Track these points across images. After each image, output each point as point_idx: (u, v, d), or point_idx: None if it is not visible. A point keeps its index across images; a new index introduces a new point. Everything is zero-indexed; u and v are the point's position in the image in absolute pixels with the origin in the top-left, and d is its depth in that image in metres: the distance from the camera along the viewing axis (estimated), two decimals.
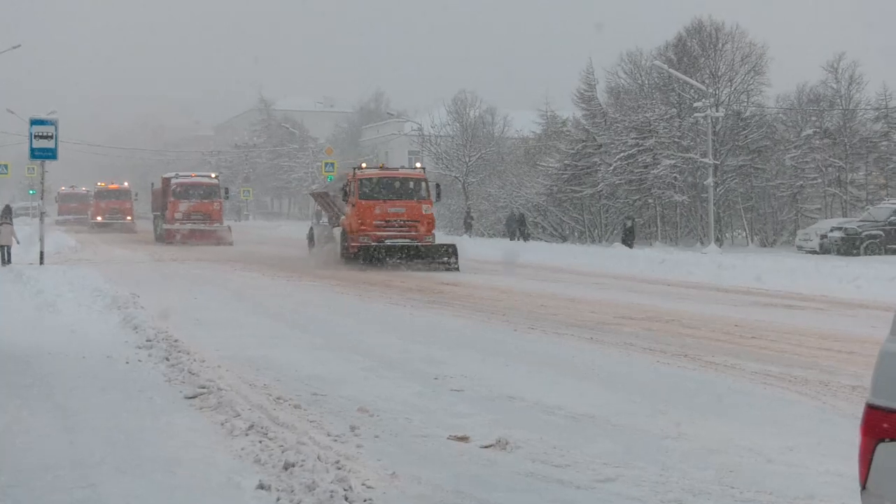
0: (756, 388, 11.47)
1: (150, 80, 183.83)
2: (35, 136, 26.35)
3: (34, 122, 26.80)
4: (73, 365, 11.91)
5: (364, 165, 37.17)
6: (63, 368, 11.69)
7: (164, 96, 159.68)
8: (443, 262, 31.57)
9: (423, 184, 33.73)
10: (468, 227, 57.43)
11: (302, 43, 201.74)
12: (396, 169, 36.58)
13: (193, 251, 42.31)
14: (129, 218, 70.33)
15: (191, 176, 53.16)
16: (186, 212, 49.97)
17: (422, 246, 32.01)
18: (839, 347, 14.71)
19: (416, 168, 36.10)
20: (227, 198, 52.88)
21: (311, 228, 43.61)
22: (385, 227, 32.27)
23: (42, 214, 29.35)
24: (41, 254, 27.22)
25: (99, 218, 70.27)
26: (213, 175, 54.98)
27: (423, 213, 32.80)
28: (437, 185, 34.93)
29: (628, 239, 46.19)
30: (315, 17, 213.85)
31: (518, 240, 50.73)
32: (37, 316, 16.22)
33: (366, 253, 31.33)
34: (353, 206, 32.76)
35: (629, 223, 47.26)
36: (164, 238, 49.40)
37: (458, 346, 14.58)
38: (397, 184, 33.54)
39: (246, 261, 34.80)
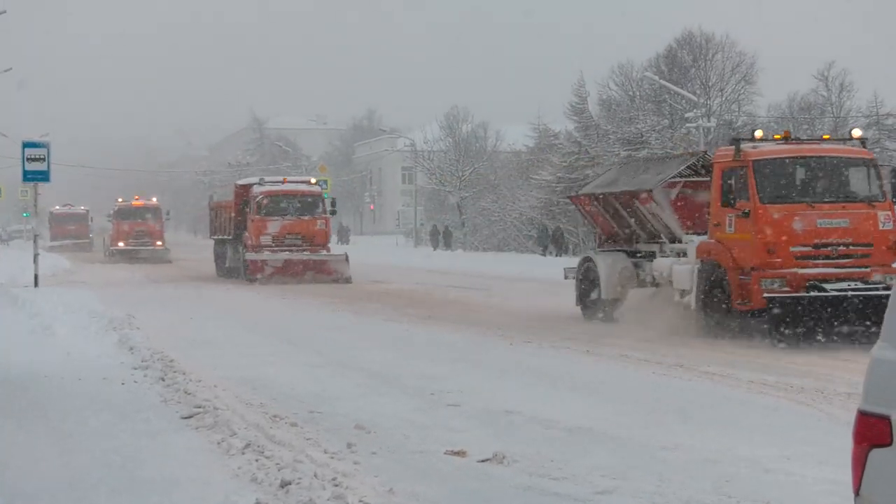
0: (752, 397, 11.48)
1: (143, 101, 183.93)
2: (28, 159, 26.32)
3: (26, 145, 26.78)
4: (69, 387, 11.88)
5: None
6: (59, 391, 11.66)
7: (157, 117, 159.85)
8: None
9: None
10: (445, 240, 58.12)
11: (294, 61, 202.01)
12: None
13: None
14: (159, 243, 54.28)
15: (282, 182, 36.67)
16: (279, 234, 34.41)
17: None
18: (834, 355, 14.72)
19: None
20: (334, 212, 36.80)
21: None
22: None
23: (36, 237, 29.30)
24: (36, 276, 27.17)
25: (121, 244, 53.61)
26: (311, 180, 38.22)
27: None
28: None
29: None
30: (306, 35, 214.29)
31: (549, 255, 48.62)
32: (32, 339, 16.18)
33: None
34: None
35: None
36: (247, 272, 33.74)
37: (454, 361, 14.59)
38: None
39: (240, 281, 34.72)
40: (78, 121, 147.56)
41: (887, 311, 4.24)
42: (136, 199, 56.64)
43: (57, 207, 70.51)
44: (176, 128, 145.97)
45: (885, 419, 3.95)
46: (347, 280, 32.79)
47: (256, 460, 8.06)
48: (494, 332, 18.27)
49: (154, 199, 57.85)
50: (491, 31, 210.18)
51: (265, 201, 34.71)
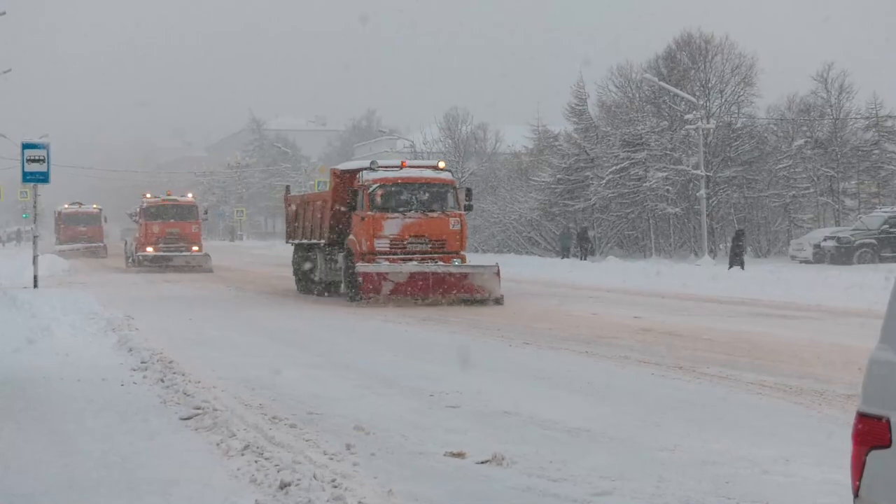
0: (751, 398, 11.49)
1: (142, 102, 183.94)
2: (27, 160, 26.29)
3: (26, 146, 26.74)
4: (67, 388, 11.88)
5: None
6: (58, 392, 11.67)
7: (156, 118, 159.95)
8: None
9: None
10: None
11: (293, 62, 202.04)
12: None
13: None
14: (196, 248, 44.54)
15: (400, 166, 26.83)
16: (399, 237, 25.49)
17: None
18: (834, 356, 14.74)
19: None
20: (469, 207, 26.58)
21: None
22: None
23: (35, 238, 29.28)
24: (35, 277, 27.16)
25: (150, 249, 43.94)
26: (439, 164, 27.61)
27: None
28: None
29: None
30: (306, 36, 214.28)
31: (575, 257, 47.40)
32: (31, 340, 16.17)
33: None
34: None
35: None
36: (358, 289, 24.47)
37: (452, 362, 14.59)
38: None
39: (240, 281, 34.72)
40: (77, 122, 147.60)
41: (886, 312, 4.25)
42: (168, 195, 47.04)
43: (66, 206, 62.24)
44: (175, 129, 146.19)
45: (885, 421, 3.96)
46: (497, 301, 24.06)
47: (255, 461, 8.06)
48: (494, 333, 18.28)
49: (190, 195, 48.33)
50: (490, 33, 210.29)
51: (380, 192, 25.53)
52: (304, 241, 29.61)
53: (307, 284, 29.26)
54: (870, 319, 18.95)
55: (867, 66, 70.37)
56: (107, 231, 63.62)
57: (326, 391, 12.07)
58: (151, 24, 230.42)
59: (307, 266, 29.20)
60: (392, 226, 25.37)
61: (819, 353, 15.06)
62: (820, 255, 40.95)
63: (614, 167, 51.45)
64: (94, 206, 63.26)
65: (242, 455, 8.30)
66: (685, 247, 51.87)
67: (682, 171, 50.10)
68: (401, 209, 25.48)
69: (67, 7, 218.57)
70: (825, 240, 41.51)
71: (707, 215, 46.57)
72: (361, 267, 24.37)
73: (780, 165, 50.76)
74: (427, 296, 24.00)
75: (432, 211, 25.63)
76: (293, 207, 31.51)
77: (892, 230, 41.16)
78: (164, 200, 45.48)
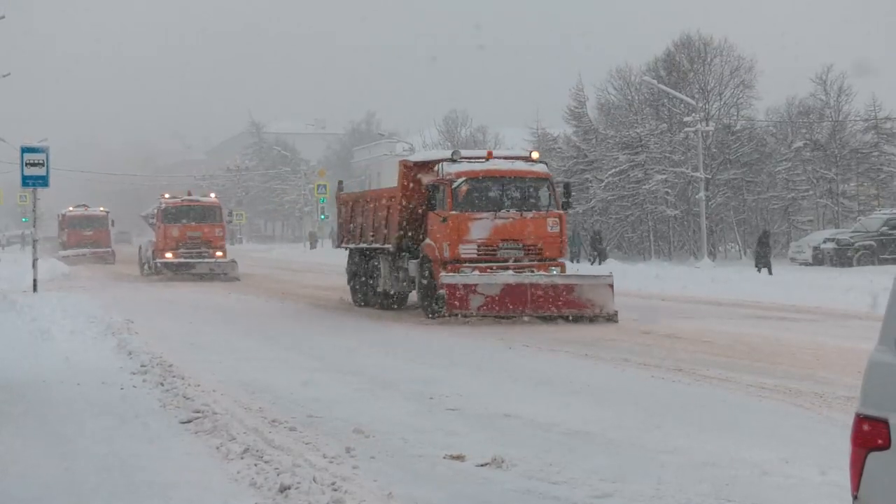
0: (751, 400, 11.49)
1: (141, 105, 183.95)
2: (26, 164, 26.31)
3: (25, 150, 26.77)
4: (67, 392, 11.88)
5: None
6: (57, 396, 11.66)
7: (155, 121, 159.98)
8: None
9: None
10: None
11: (292, 65, 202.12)
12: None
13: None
14: (220, 254, 39.87)
15: (485, 157, 22.69)
16: (489, 241, 21.38)
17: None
18: (833, 358, 14.74)
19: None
20: (568, 206, 22.66)
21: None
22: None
23: (35, 242, 29.28)
24: (35, 281, 27.16)
25: (169, 255, 39.25)
26: (533, 155, 23.24)
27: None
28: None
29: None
30: (305, 39, 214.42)
31: (586, 261, 46.59)
32: (31, 344, 16.18)
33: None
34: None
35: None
36: (444, 304, 20.38)
37: (452, 365, 14.59)
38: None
39: (241, 284, 34.70)
40: (76, 125, 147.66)
41: (885, 314, 4.25)
42: (189, 196, 42.43)
43: (70, 208, 58.28)
44: (174, 132, 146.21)
45: (883, 422, 3.96)
46: (610, 317, 20.26)
47: (255, 465, 8.06)
48: (494, 335, 18.27)
49: (213, 195, 43.53)
50: (490, 35, 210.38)
51: (465, 188, 21.41)
52: (364, 245, 25.47)
53: (366, 296, 25.20)
54: (869, 321, 18.97)
55: (866, 67, 70.40)
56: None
57: (326, 394, 12.05)
58: (151, 27, 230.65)
59: (367, 275, 25.18)
60: (480, 228, 21.29)
61: (819, 355, 15.06)
62: (819, 257, 40.95)
63: (613, 170, 51.47)
64: (101, 208, 58.99)
65: (242, 458, 8.30)
66: (685, 249, 51.88)
67: (682, 174, 50.13)
68: (490, 208, 21.44)
69: (66, 10, 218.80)
70: (824, 242, 41.52)
71: (706, 217, 46.58)
72: (448, 278, 20.34)
73: (780, 167, 50.78)
74: (524, 312, 20.17)
75: (527, 210, 21.56)
76: (348, 206, 27.40)
77: (891, 232, 41.17)
78: (184, 201, 41.00)
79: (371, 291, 24.93)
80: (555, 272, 21.26)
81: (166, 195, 42.33)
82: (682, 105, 50.81)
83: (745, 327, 19.03)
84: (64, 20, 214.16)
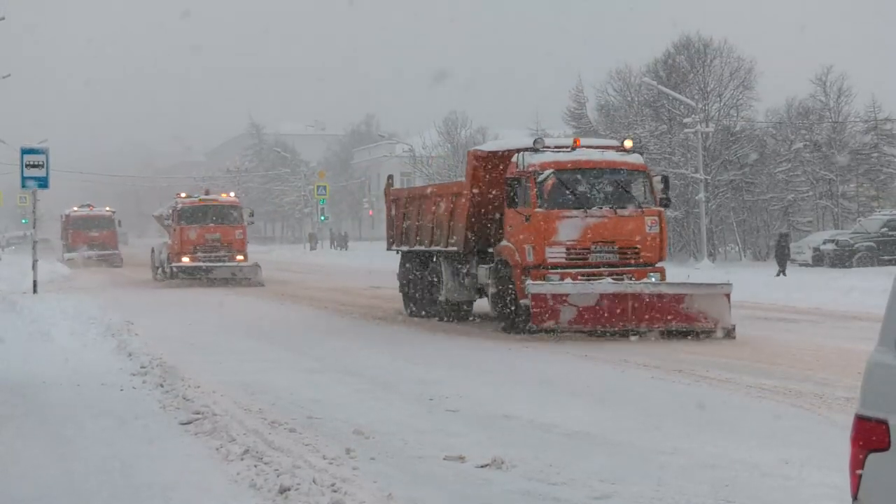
0: (751, 401, 11.49)
1: (141, 106, 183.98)
2: (26, 166, 26.33)
3: (25, 152, 26.78)
4: (67, 393, 11.89)
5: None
6: (57, 397, 11.66)
7: (155, 123, 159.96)
8: None
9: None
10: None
11: (292, 66, 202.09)
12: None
13: None
14: (241, 258, 36.88)
15: (571, 146, 19.70)
16: (580, 243, 18.66)
17: None
18: (833, 359, 14.74)
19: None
20: (667, 203, 19.70)
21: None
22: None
23: (35, 243, 29.28)
24: (34, 283, 27.16)
25: (186, 258, 36.35)
26: (625, 143, 20.08)
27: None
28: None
29: None
30: (304, 41, 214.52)
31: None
32: (31, 345, 16.19)
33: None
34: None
35: None
36: (527, 316, 17.82)
37: (452, 366, 14.59)
38: None
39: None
40: (76, 126, 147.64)
41: (885, 315, 4.25)
42: (206, 195, 39.39)
43: (75, 208, 55.12)
44: (174, 133, 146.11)
45: (883, 423, 3.96)
46: (728, 333, 17.66)
47: (255, 466, 8.06)
48: (493, 336, 18.27)
49: (232, 194, 40.55)
50: (489, 36, 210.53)
51: (552, 181, 18.68)
52: (421, 247, 22.69)
53: (423, 305, 22.42)
54: (869, 322, 18.96)
55: (866, 68, 70.42)
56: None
57: (326, 395, 12.07)
58: (150, 28, 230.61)
59: (425, 282, 22.40)
60: (570, 227, 18.50)
61: (818, 356, 15.07)
62: (819, 258, 40.94)
63: None
64: (107, 208, 55.97)
65: (242, 459, 8.30)
66: (685, 250, 51.87)
67: (682, 175, 50.12)
68: (580, 205, 18.68)
69: (66, 12, 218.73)
70: (824, 243, 41.51)
71: (706, 218, 46.56)
72: (535, 286, 17.65)
73: (779, 169, 50.78)
74: (624, 326, 17.61)
75: (621, 207, 18.86)
76: (400, 204, 24.35)
77: (890, 233, 41.18)
78: (202, 200, 37.96)
79: (429, 300, 22.10)
80: (653, 279, 18.59)
81: (182, 194, 39.34)
82: (682, 106, 50.78)
83: (744, 328, 19.01)
84: (64, 21, 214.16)
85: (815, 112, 51.82)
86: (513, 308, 18.57)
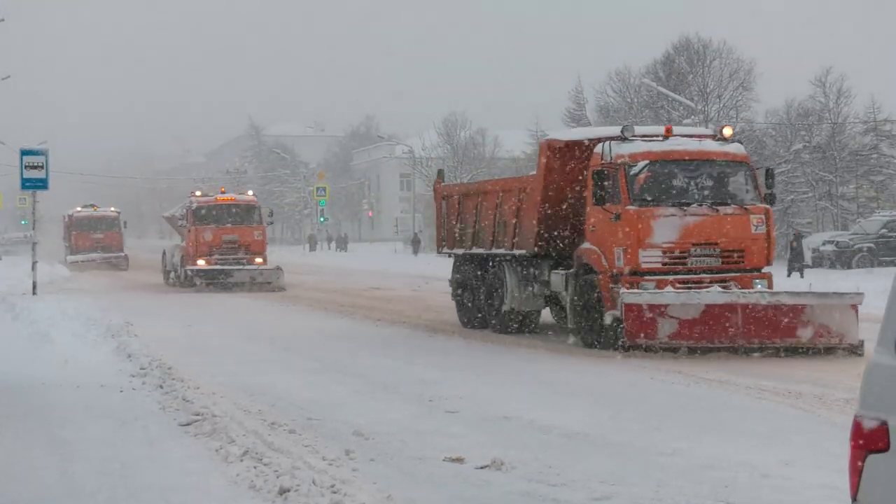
0: (750, 402, 11.50)
1: (140, 108, 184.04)
2: (26, 167, 26.32)
3: (25, 153, 26.78)
4: (67, 395, 11.89)
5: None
6: (57, 398, 11.66)
7: (154, 124, 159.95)
8: None
9: None
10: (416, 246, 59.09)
11: (291, 68, 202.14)
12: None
13: None
14: (259, 260, 34.70)
15: (663, 135, 17.35)
16: (679, 244, 16.48)
17: None
18: (832, 360, 14.74)
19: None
20: (773, 199, 17.73)
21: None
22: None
23: (34, 244, 29.28)
24: (34, 284, 27.16)
25: (202, 262, 34.25)
26: (724, 131, 17.66)
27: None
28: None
29: None
30: (304, 42, 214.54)
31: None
32: (30, 346, 16.18)
33: None
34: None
35: None
36: (623, 332, 15.56)
37: (451, 367, 14.59)
38: None
39: (239, 286, 34.58)
40: (75, 128, 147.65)
41: (884, 316, 4.26)
42: (223, 193, 37.26)
43: (78, 209, 52.89)
44: (173, 135, 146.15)
45: (882, 424, 3.96)
46: (853, 349, 15.24)
47: (255, 467, 8.06)
48: (493, 338, 18.27)
49: (250, 193, 38.44)
50: (489, 38, 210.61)
51: (645, 174, 16.58)
52: (480, 250, 20.45)
53: (477, 314, 20.35)
54: (868, 323, 18.96)
55: (866, 69, 70.43)
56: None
57: (325, 397, 12.08)
58: (150, 30, 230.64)
59: (485, 288, 20.14)
60: (667, 227, 16.31)
61: (818, 357, 15.05)
62: (819, 259, 40.93)
63: None
64: (112, 208, 53.81)
65: (241, 461, 8.30)
66: None
67: None
68: (677, 202, 16.50)
69: (65, 13, 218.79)
70: (824, 244, 41.50)
71: None
72: (631, 296, 15.51)
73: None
74: (732, 342, 15.33)
75: (722, 204, 16.68)
76: (453, 201, 22.06)
77: (890, 234, 41.17)
78: (218, 199, 35.79)
79: (489, 309, 19.90)
80: (759, 286, 16.29)
81: (197, 193, 37.10)
82: (682, 107, 50.79)
83: None
84: (63, 23, 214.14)
85: (815, 113, 51.82)
86: (597, 320, 16.46)
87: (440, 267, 47.91)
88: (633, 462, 8.63)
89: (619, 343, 15.54)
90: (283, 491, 7.33)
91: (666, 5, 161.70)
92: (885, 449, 3.93)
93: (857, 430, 4.06)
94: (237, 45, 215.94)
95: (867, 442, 4.00)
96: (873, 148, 50.97)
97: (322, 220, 73.46)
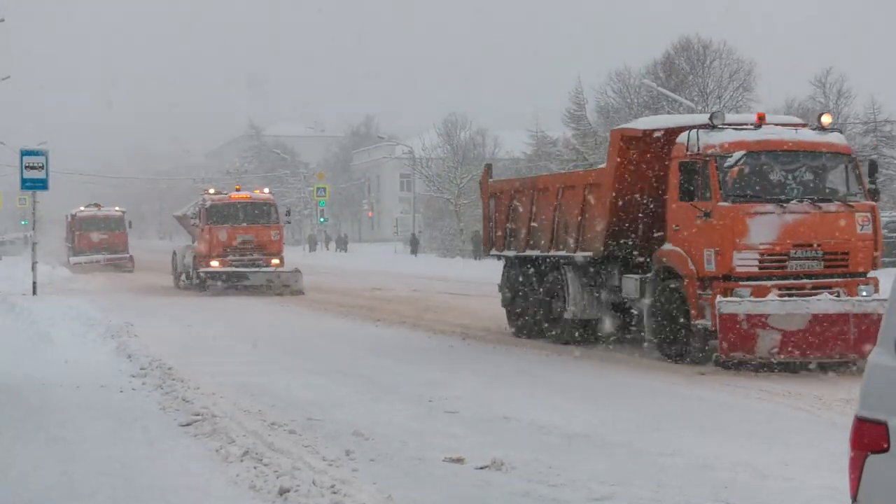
0: (751, 402, 11.50)
1: (140, 108, 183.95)
2: (26, 167, 26.33)
3: (25, 153, 26.79)
4: (66, 395, 11.88)
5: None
6: (57, 399, 11.66)
7: (154, 124, 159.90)
8: None
9: None
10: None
11: (291, 68, 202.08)
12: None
13: None
14: (276, 262, 33.16)
15: (754, 123, 15.56)
16: (779, 246, 14.64)
17: None
18: (832, 360, 14.72)
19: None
20: (877, 194, 15.89)
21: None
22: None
23: (34, 245, 29.27)
24: (34, 284, 27.15)
25: (215, 263, 32.60)
26: (822, 118, 15.78)
27: None
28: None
29: None
30: (304, 42, 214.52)
31: None
32: (30, 347, 16.17)
33: None
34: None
35: None
36: (723, 345, 13.83)
37: (451, 368, 14.58)
38: None
39: (239, 286, 34.53)
40: (75, 129, 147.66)
41: (884, 316, 4.26)
42: (238, 191, 35.71)
43: (81, 208, 51.11)
44: (173, 135, 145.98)
45: (882, 425, 3.96)
46: None
47: (255, 467, 8.06)
48: (493, 338, 18.26)
49: (266, 190, 36.59)
50: (489, 38, 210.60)
51: (736, 169, 14.68)
52: (536, 252, 18.82)
53: (532, 322, 18.82)
54: None
55: (866, 69, 70.45)
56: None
57: (325, 397, 12.06)
58: (150, 30, 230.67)
59: (542, 294, 18.47)
60: (764, 226, 14.52)
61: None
62: None
63: None
64: (117, 208, 51.88)
65: (241, 461, 8.30)
66: None
67: None
68: (774, 198, 14.71)
69: (65, 13, 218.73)
70: None
71: None
72: (728, 304, 13.83)
73: None
74: (843, 357, 13.98)
75: (825, 200, 14.91)
76: (504, 198, 20.24)
77: (890, 235, 41.17)
78: (232, 196, 34.01)
79: (548, 317, 18.27)
80: (864, 292, 14.75)
81: (211, 190, 35.41)
82: (682, 108, 50.80)
83: None
84: (63, 23, 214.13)
85: (815, 113, 51.82)
86: (680, 331, 14.95)
87: (440, 267, 47.92)
88: (632, 462, 8.63)
89: (714, 357, 14.28)
90: (283, 491, 7.33)
91: (666, 5, 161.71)
92: (886, 449, 3.93)
93: (858, 430, 4.06)
94: (237, 46, 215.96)
95: (867, 442, 4.00)
96: (873, 149, 50.98)
97: (322, 220, 73.42)
